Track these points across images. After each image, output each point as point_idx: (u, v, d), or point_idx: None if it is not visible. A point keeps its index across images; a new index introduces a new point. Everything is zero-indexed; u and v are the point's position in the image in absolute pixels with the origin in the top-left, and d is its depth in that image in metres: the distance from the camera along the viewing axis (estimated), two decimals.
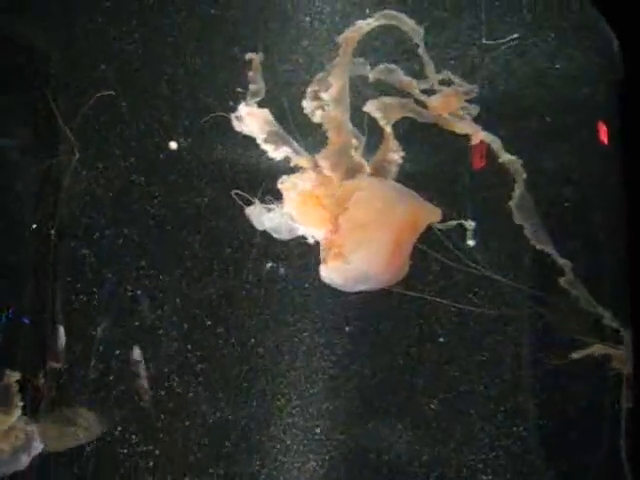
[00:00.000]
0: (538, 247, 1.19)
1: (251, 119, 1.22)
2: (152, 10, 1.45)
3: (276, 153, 1.24)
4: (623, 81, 1.54)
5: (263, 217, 1.27)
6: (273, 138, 1.23)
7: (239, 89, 1.35)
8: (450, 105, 1.21)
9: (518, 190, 1.14)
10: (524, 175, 1.12)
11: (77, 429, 1.42)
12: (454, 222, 1.16)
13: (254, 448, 1.40)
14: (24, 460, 1.42)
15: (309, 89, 1.23)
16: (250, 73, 1.27)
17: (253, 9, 1.42)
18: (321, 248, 1.23)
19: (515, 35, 1.36)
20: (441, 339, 1.44)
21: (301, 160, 1.22)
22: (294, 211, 1.22)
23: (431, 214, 1.24)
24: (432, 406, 1.43)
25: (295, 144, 1.24)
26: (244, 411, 1.42)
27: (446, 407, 1.43)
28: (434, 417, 1.43)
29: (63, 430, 1.42)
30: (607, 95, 1.53)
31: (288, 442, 1.39)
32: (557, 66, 1.43)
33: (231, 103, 1.35)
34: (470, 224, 1.16)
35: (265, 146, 1.24)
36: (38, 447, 1.42)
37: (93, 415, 1.42)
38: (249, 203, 1.34)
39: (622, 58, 1.53)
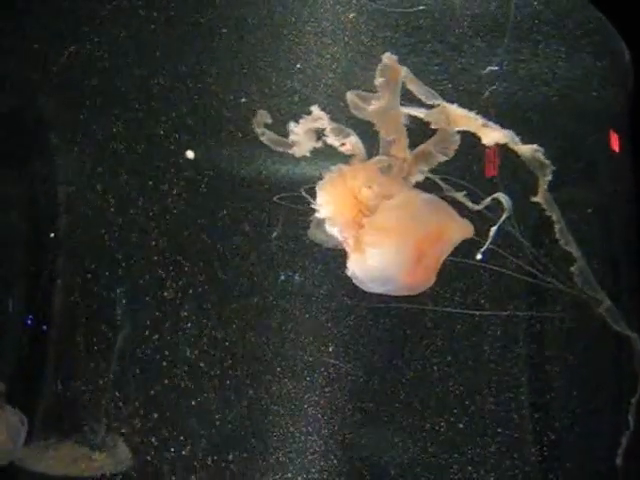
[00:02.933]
0: (563, 245, 1.19)
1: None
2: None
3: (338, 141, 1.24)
4: (634, 90, 1.56)
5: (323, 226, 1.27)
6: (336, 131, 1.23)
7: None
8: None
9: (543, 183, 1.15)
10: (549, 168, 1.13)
11: (103, 456, 1.42)
12: (489, 198, 1.15)
13: (250, 459, 1.41)
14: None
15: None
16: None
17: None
18: (345, 244, 1.23)
19: (495, 67, 1.38)
20: (449, 357, 1.44)
21: (357, 150, 1.23)
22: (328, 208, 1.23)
23: (461, 229, 1.23)
24: (440, 422, 1.43)
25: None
26: (243, 420, 1.42)
27: (454, 423, 1.43)
28: (440, 433, 1.43)
29: (86, 454, 1.43)
30: (618, 103, 1.55)
31: (284, 453, 1.39)
32: (567, 75, 1.44)
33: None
34: (506, 199, 1.16)
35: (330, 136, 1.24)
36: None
37: (122, 443, 1.42)
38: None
39: (633, 67, 1.55)
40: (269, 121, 1.28)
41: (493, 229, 1.16)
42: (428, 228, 1.20)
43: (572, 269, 1.24)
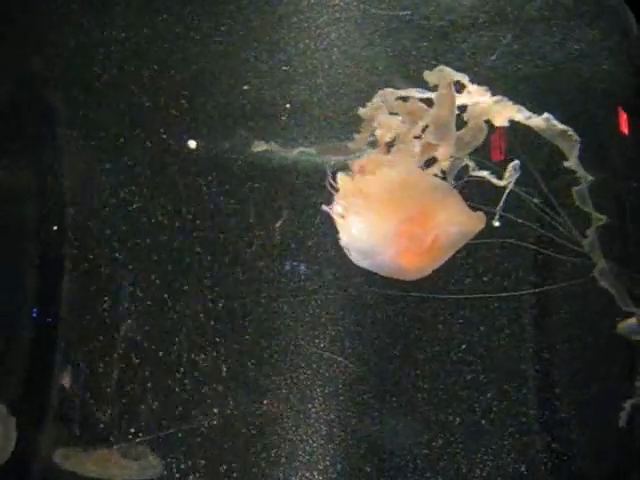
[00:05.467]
0: (580, 205, 1.19)
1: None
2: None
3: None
4: None
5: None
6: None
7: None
8: None
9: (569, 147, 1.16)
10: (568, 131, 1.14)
11: (133, 463, 1.44)
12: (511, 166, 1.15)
13: (263, 445, 1.41)
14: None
15: None
16: None
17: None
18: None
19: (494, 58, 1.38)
20: (459, 343, 1.44)
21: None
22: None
23: (471, 222, 1.21)
24: (452, 410, 1.43)
25: None
26: (254, 407, 1.42)
27: (467, 418, 1.43)
28: (453, 420, 1.43)
29: (117, 460, 1.44)
30: (628, 81, 1.53)
31: (296, 444, 1.40)
32: (576, 52, 1.43)
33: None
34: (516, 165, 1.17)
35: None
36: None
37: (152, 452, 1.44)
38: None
39: None
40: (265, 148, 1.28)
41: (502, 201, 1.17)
42: (417, 210, 1.18)
43: (588, 232, 1.23)
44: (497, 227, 1.24)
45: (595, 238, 1.22)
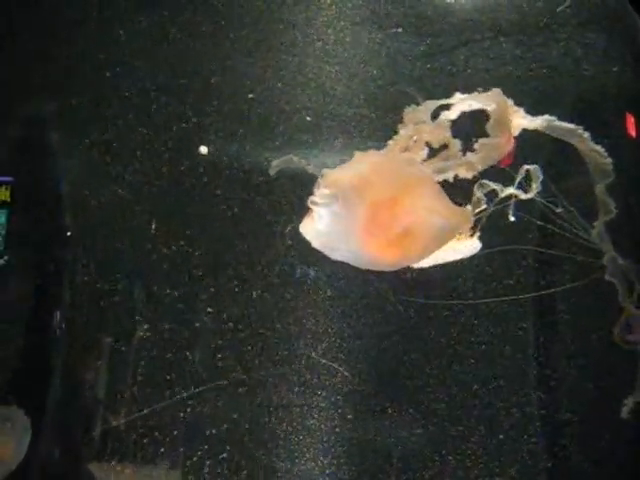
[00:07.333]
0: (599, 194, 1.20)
1: None
2: None
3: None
4: None
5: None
6: None
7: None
8: None
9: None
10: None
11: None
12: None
13: (264, 454, 1.41)
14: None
15: None
16: None
17: None
18: None
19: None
20: (470, 352, 1.44)
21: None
22: None
23: (451, 216, 1.17)
24: (464, 425, 1.43)
25: None
26: (256, 415, 1.42)
27: (477, 426, 1.43)
28: (456, 424, 1.44)
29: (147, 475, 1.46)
30: (635, 86, 1.54)
31: (299, 439, 1.40)
32: (582, 55, 1.45)
33: None
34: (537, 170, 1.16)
35: None
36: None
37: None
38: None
39: None
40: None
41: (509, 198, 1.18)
42: (387, 195, 1.12)
43: (595, 223, 1.23)
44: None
45: (603, 229, 1.22)
